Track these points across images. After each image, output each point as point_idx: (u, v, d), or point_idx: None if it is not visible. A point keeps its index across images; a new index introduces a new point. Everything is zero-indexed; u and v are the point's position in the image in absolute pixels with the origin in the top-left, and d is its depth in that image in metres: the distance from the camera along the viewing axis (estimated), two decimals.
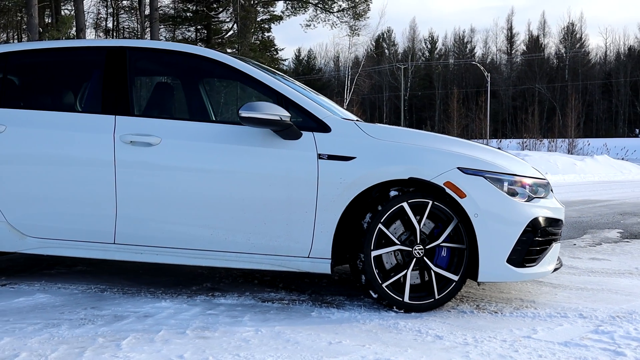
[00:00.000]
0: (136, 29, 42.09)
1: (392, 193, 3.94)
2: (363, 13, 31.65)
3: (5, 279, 4.66)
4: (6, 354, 3.06)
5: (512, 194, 3.94)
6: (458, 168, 3.90)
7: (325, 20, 32.27)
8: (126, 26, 41.80)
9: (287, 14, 33.20)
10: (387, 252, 3.95)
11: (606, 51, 78.18)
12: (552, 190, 4.27)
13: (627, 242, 6.88)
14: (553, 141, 39.27)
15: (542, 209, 4.01)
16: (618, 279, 4.96)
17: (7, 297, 4.16)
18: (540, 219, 3.96)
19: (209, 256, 4.13)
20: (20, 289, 4.37)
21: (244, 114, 3.89)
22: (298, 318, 3.76)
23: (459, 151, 4.03)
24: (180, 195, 4.09)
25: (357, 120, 4.25)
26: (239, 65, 4.30)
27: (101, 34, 40.99)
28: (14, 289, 4.39)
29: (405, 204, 3.91)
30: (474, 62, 61.53)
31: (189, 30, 39.14)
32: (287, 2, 33.12)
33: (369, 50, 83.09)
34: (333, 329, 3.54)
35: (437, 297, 3.94)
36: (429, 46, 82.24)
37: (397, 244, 3.93)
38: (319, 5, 32.12)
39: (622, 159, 33.47)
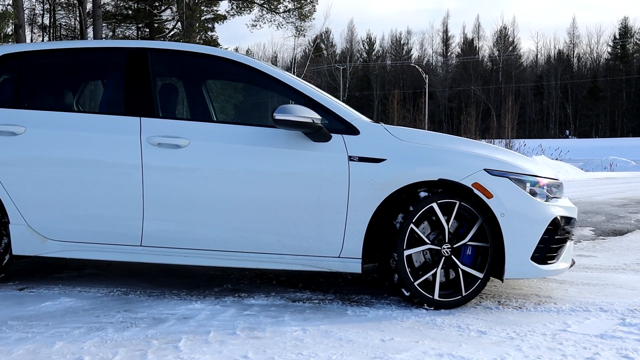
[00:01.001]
0: (74, 26, 41.08)
1: (422, 194, 4.05)
2: (309, 14, 31.80)
3: (19, 283, 4.57)
4: (68, 358, 3.03)
5: (533, 194, 4.12)
6: (484, 169, 4.06)
7: (271, 21, 32.26)
8: (63, 23, 40.73)
9: (232, 13, 33.02)
10: (417, 252, 4.06)
11: (537, 55, 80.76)
12: None
13: (603, 239, 7.22)
14: (490, 142, 40.36)
15: (560, 208, 4.20)
16: (614, 274, 5.22)
17: (32, 301, 4.08)
18: (559, 218, 4.15)
19: (240, 257, 4.16)
20: (41, 293, 4.29)
21: (278, 116, 3.94)
22: (336, 317, 3.84)
23: (481, 153, 4.19)
24: (210, 197, 4.11)
25: (381, 123, 4.35)
26: (264, 68, 4.34)
27: (36, 31, 39.85)
28: (34, 293, 4.31)
29: (434, 205, 4.03)
30: (412, 64, 62.53)
31: (130, 29, 38.44)
32: (232, 1, 32.95)
33: (308, 51, 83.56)
34: (376, 327, 3.63)
35: (464, 294, 4.08)
36: (367, 47, 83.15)
37: (428, 243, 4.05)
38: (265, 5, 32.07)
39: (557, 159, 34.74)
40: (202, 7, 33.03)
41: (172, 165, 4.14)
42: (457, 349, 3.23)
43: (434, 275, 4.05)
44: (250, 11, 32.62)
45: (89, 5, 28.66)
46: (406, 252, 4.02)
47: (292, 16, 31.92)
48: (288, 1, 31.73)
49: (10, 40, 25.76)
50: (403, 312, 3.94)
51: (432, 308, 4.04)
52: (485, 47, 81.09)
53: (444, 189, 4.09)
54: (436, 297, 4.04)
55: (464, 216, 4.13)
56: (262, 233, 4.12)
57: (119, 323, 3.64)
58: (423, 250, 4.08)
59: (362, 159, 4.06)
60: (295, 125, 3.98)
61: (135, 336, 3.40)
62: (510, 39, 79.03)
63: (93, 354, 3.09)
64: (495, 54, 78.30)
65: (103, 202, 4.19)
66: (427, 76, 51.58)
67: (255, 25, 32.29)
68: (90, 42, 4.62)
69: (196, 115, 4.66)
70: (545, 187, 4.21)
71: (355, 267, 4.10)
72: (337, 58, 79.45)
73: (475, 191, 4.03)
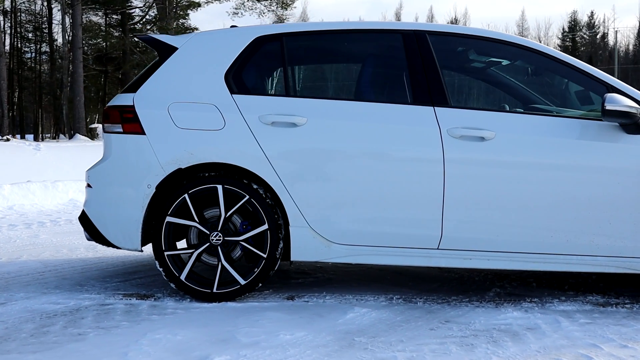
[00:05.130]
0: (35, 10, 39.38)
1: None
2: (290, 2, 31.22)
3: (273, 292, 4.11)
4: None
5: None
6: None
7: (252, 9, 31.52)
8: (24, 7, 38.92)
9: (210, 0, 32.09)
10: None
11: None
12: None
13: None
14: None
15: None
16: None
17: (328, 313, 3.65)
18: None
19: (549, 260, 3.83)
20: (320, 303, 3.86)
21: (610, 106, 3.63)
22: None
23: None
24: (518, 195, 3.77)
25: None
26: (559, 54, 4.01)
27: None
28: (311, 302, 3.88)
29: None
30: None
31: (97, 14, 37.07)
32: None
33: None
34: None
35: None
36: None
37: None
38: None
39: None
40: None
41: (477, 160, 3.77)
42: None
43: None
44: None
45: None
46: None
47: (273, 4, 31.27)
48: None
49: None
50: None
51: None
52: None
53: None
54: None
55: None
56: (573, 233, 3.79)
57: (475, 337, 3.27)
58: None
59: None
60: (622, 116, 3.67)
61: (525, 351, 3.05)
62: None
63: None
64: None
65: (398, 201, 3.79)
66: None
67: (237, 13, 31.50)
68: (357, 24, 4.16)
69: (492, 105, 4.25)
70: None
71: None
72: None
73: None
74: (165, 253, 3.84)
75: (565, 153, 3.78)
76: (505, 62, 4.36)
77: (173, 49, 4.06)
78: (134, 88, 4.02)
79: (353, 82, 4.18)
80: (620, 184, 3.77)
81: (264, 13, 31.37)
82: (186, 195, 3.81)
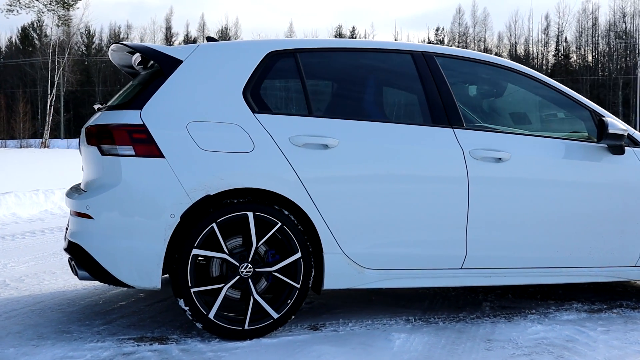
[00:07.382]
0: None
1: None
2: (73, 2, 29.29)
3: (298, 321, 3.86)
4: None
5: None
6: None
7: (29, 7, 28.96)
8: None
9: None
10: None
11: None
12: None
13: None
14: None
15: None
16: None
17: (372, 341, 3.53)
18: None
19: (554, 273, 4.08)
20: (349, 332, 3.70)
21: (613, 130, 3.97)
22: None
23: None
24: (532, 213, 3.96)
25: None
26: (550, 81, 4.26)
27: None
28: (337, 332, 3.70)
29: None
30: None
31: None
32: None
33: (17, 39, 76.38)
34: None
35: None
36: (86, 40, 78.59)
37: None
38: None
39: None
40: None
41: (497, 180, 3.89)
42: None
43: None
44: None
45: None
46: None
47: (53, 3, 29.10)
48: None
49: None
50: None
51: None
52: None
53: None
54: None
55: None
56: (575, 248, 4.07)
57: (537, 354, 3.37)
58: None
59: None
60: (617, 138, 4.02)
61: None
62: (233, 39, 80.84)
63: None
64: None
65: (429, 223, 3.77)
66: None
67: (12, 10, 28.78)
68: (370, 43, 4.00)
69: (502, 127, 4.31)
70: None
71: None
72: (54, 50, 73.73)
73: None
74: (192, 290, 3.43)
75: (569, 172, 4.03)
76: (505, 86, 4.52)
77: (177, 62, 3.66)
78: (136, 104, 3.54)
79: (372, 101, 4.06)
80: (611, 199, 4.11)
81: (43, 12, 29.12)
82: (214, 225, 3.44)
